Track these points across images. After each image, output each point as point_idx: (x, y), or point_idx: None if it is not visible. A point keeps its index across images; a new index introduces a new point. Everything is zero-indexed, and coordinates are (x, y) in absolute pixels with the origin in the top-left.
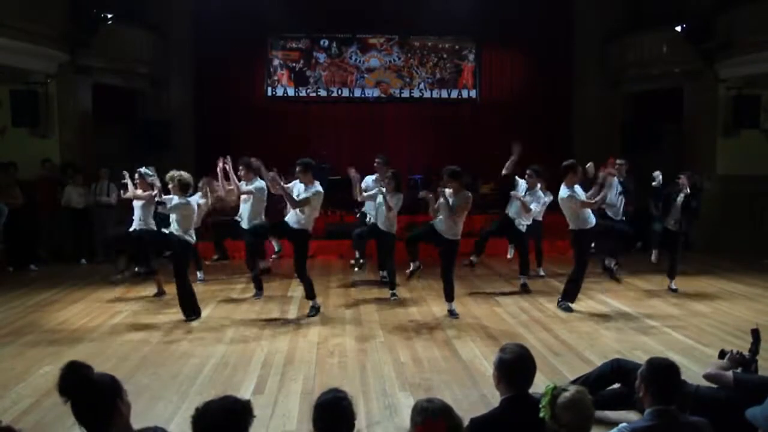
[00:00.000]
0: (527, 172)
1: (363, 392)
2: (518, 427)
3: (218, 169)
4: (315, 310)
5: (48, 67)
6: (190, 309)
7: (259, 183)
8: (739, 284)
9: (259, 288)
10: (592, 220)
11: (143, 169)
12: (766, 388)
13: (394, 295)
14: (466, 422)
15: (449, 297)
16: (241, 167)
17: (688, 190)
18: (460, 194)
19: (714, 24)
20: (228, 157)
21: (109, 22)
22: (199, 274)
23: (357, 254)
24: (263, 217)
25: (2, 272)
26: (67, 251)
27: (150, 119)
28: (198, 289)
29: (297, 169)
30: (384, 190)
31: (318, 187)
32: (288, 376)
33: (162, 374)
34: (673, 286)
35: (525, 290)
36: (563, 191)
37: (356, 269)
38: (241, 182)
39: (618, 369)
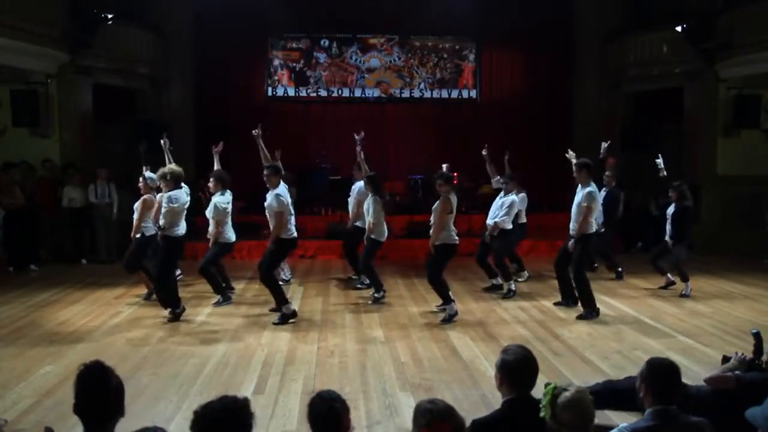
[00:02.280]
0: (503, 180)
1: (363, 392)
2: (520, 429)
3: (214, 151)
4: (284, 318)
5: (48, 67)
6: (173, 303)
7: (227, 196)
8: (739, 284)
9: (230, 288)
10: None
11: (148, 173)
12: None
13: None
14: (467, 422)
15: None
16: (211, 179)
17: (674, 206)
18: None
19: (714, 24)
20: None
21: (109, 22)
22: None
23: (373, 285)
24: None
25: (2, 272)
26: (67, 251)
27: (150, 119)
28: (196, 288)
29: (264, 172)
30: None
31: (278, 190)
32: (288, 376)
33: (162, 374)
34: (688, 291)
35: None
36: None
37: (378, 295)
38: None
39: (611, 389)
